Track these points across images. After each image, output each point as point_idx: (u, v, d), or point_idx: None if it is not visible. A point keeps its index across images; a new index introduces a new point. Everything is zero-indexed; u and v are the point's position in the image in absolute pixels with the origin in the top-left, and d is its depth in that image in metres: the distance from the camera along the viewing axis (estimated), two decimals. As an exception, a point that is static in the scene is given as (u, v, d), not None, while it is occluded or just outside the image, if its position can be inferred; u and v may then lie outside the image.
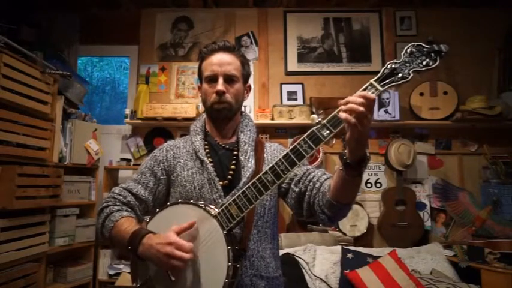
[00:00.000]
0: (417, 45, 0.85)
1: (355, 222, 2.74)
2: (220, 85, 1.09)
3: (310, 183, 1.04)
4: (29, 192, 2.03)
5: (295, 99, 3.04)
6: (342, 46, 3.15)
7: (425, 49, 0.84)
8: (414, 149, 2.78)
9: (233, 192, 1.02)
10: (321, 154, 2.82)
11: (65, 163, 2.46)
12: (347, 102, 0.79)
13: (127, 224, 1.01)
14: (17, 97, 1.99)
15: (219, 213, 0.96)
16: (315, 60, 3.13)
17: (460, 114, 2.76)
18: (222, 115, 1.13)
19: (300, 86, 3.07)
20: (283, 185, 1.11)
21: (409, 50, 0.85)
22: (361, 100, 0.78)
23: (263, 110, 2.92)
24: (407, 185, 2.85)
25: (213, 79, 1.11)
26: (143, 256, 0.95)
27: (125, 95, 3.32)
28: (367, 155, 0.86)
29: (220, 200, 1.03)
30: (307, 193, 1.04)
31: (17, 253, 1.98)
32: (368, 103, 0.78)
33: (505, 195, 2.60)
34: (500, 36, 3.01)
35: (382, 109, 2.80)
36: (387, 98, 2.80)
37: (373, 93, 0.82)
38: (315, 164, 2.81)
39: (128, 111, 2.91)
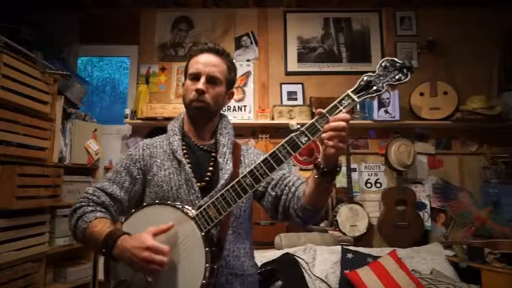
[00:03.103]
0: (391, 60, 0.90)
1: (355, 222, 2.73)
2: (201, 84, 1.10)
3: (286, 188, 1.09)
4: (29, 192, 2.03)
5: (295, 99, 3.04)
6: (342, 46, 3.15)
7: (397, 64, 0.89)
8: (414, 149, 2.78)
9: (211, 194, 1.03)
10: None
11: (65, 163, 2.45)
12: (331, 130, 0.86)
13: (101, 225, 0.99)
14: (17, 97, 1.99)
15: (197, 215, 0.97)
16: (315, 60, 3.13)
17: (460, 114, 2.76)
18: (199, 114, 1.13)
19: (300, 86, 3.07)
20: (260, 189, 1.14)
21: (383, 64, 0.90)
22: (343, 124, 0.86)
23: (263, 110, 2.92)
24: (407, 185, 2.85)
25: (195, 77, 1.12)
26: (118, 258, 0.94)
27: (125, 95, 3.31)
28: (340, 162, 0.94)
29: (197, 201, 1.03)
30: (283, 197, 1.08)
31: (17, 253, 1.97)
32: (347, 126, 0.86)
33: (505, 195, 2.60)
34: (500, 36, 3.01)
35: (382, 109, 2.80)
36: (387, 98, 2.80)
37: (349, 104, 0.88)
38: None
39: (128, 111, 2.91)
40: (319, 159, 0.94)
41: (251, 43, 3.15)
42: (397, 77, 0.88)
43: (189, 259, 0.95)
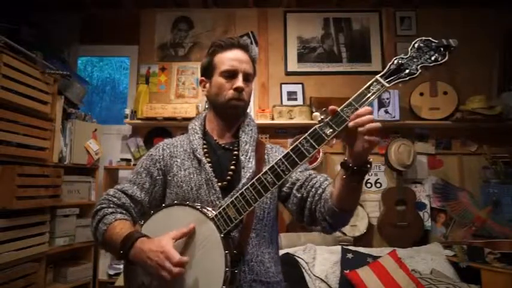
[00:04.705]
0: (425, 39, 0.82)
1: (355, 222, 2.73)
2: (240, 82, 1.06)
3: (313, 189, 1.01)
4: (29, 192, 2.04)
5: (295, 99, 3.03)
6: (342, 46, 3.15)
7: (433, 44, 0.81)
8: (414, 149, 2.78)
9: (232, 193, 0.98)
10: (320, 154, 2.82)
11: (65, 163, 2.46)
12: (363, 123, 0.78)
13: (120, 227, 0.98)
14: (17, 97, 1.99)
15: (216, 215, 0.92)
16: (315, 60, 3.13)
17: (460, 114, 2.76)
18: (237, 112, 1.10)
19: (300, 86, 3.06)
20: (284, 189, 1.08)
21: (416, 45, 0.82)
22: (372, 117, 0.78)
23: (263, 110, 2.92)
24: (407, 185, 2.85)
25: (232, 75, 1.07)
26: (134, 261, 0.92)
27: (125, 95, 3.31)
28: (370, 159, 0.85)
29: (218, 202, 0.99)
30: (309, 199, 1.01)
31: (17, 253, 1.98)
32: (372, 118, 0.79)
33: (505, 195, 2.60)
34: (500, 36, 3.01)
35: (382, 109, 2.80)
36: (387, 98, 2.80)
37: (378, 89, 0.80)
38: (314, 164, 2.81)
39: (128, 111, 2.91)
40: (345, 158, 0.85)
41: (251, 43, 3.15)
42: (433, 57, 0.80)
43: (209, 262, 0.90)
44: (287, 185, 1.08)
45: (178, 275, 0.84)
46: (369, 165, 0.85)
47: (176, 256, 0.84)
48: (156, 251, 0.86)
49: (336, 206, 0.91)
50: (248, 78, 1.10)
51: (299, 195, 1.04)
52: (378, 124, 0.78)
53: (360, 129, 0.78)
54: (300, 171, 1.08)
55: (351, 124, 0.79)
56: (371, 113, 0.79)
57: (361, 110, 0.79)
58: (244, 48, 1.12)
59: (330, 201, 0.92)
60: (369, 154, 0.83)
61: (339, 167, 0.89)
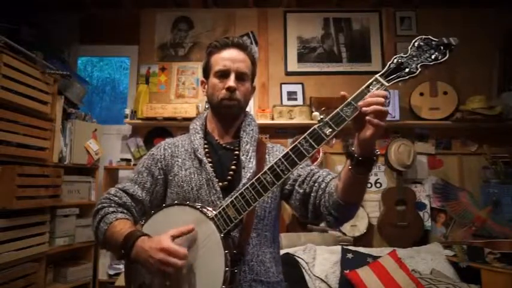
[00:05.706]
0: (425, 38, 0.81)
1: (355, 222, 2.73)
2: (232, 81, 1.05)
3: (316, 184, 1.00)
4: (29, 192, 2.04)
5: (295, 99, 3.03)
6: (342, 46, 3.15)
7: (433, 42, 0.80)
8: (414, 149, 2.78)
9: (232, 193, 0.97)
10: (320, 154, 2.81)
11: (65, 163, 2.46)
12: (370, 104, 0.78)
13: (121, 226, 0.98)
14: (17, 97, 1.99)
15: (216, 215, 0.92)
16: (315, 60, 3.13)
17: (460, 114, 2.76)
18: (231, 112, 1.09)
19: (300, 86, 3.06)
20: (287, 187, 1.08)
21: (416, 44, 0.81)
22: (382, 100, 0.78)
23: (263, 110, 2.92)
24: (407, 185, 2.85)
25: (224, 74, 1.07)
26: (135, 259, 0.92)
27: (125, 95, 3.31)
28: (377, 150, 0.84)
29: (218, 202, 0.99)
30: (312, 194, 1.00)
31: (17, 253, 1.98)
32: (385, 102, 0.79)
33: (505, 195, 2.59)
34: (500, 36, 3.01)
35: (382, 109, 2.79)
36: (387, 98, 2.79)
37: (378, 89, 0.80)
38: (314, 164, 2.80)
39: (128, 111, 2.91)
40: (352, 148, 0.84)
41: (251, 43, 3.15)
42: (433, 56, 0.79)
43: (208, 262, 0.90)
44: (289, 182, 1.07)
45: (181, 267, 0.86)
46: (375, 157, 0.84)
47: (179, 250, 0.86)
48: (157, 249, 0.87)
49: (341, 198, 0.90)
50: (243, 77, 1.08)
51: (301, 190, 1.03)
52: (386, 108, 0.78)
53: (365, 108, 0.78)
54: (301, 167, 1.07)
55: (360, 103, 0.79)
56: (385, 97, 0.79)
57: (375, 92, 0.79)
58: (240, 47, 1.11)
59: (335, 195, 0.92)
60: (375, 142, 0.82)
61: (339, 168, 0.90)
